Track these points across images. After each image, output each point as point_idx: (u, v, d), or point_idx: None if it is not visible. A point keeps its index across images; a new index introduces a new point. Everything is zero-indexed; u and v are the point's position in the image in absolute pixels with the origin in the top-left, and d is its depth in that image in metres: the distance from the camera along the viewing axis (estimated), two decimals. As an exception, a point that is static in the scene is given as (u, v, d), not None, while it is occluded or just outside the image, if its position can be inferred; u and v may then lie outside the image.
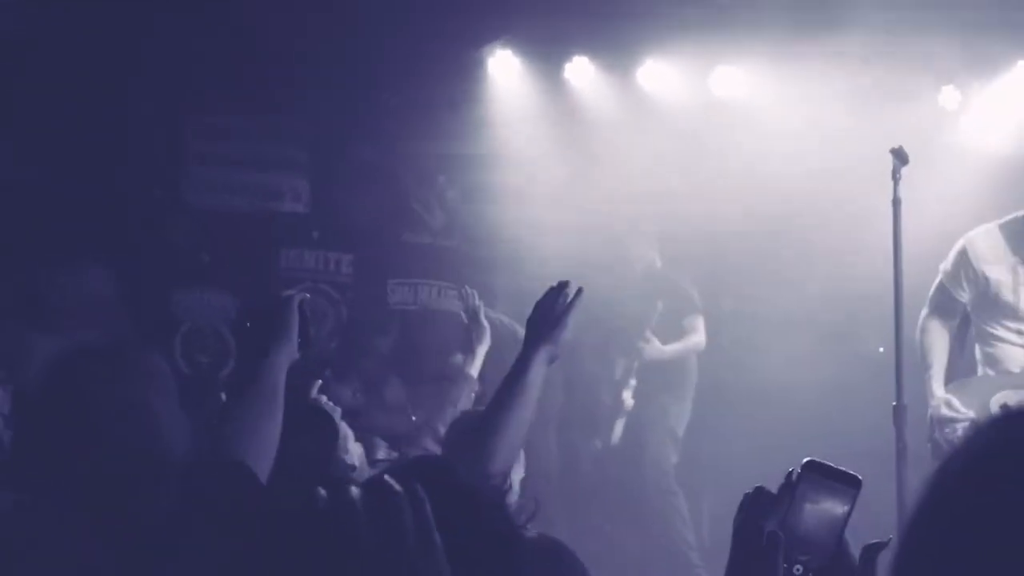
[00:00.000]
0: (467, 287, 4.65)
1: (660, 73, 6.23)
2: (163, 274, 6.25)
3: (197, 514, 1.77)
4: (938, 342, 4.37)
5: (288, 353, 2.12)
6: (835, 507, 1.50)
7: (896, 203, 3.92)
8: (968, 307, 4.38)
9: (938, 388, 4.27)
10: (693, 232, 5.80)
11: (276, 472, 2.20)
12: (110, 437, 2.03)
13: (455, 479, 1.53)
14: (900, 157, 3.97)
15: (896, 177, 3.95)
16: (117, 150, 6.20)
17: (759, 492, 1.54)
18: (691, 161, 5.90)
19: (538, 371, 2.36)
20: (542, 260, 5.70)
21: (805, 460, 1.53)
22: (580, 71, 6.31)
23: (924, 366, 4.35)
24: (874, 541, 1.54)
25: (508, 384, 2.36)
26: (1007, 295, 4.24)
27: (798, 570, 1.49)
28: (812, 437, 4.72)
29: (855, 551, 1.60)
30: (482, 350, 4.16)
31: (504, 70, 6.34)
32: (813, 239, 5.37)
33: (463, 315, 4.39)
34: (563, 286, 2.47)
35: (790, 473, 1.51)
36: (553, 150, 6.14)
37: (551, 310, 2.43)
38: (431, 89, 6.24)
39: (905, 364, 3.90)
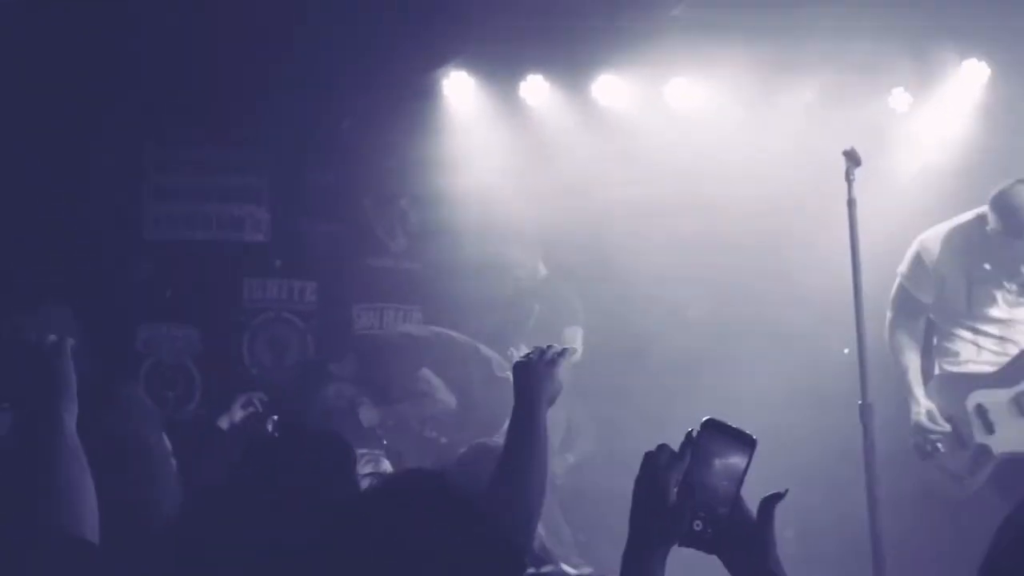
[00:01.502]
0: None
1: (615, 87, 6.28)
2: (126, 310, 6.20)
3: None
4: (908, 343, 4.53)
5: (72, 407, 1.99)
6: (733, 463, 1.55)
7: (851, 204, 3.97)
8: (924, 305, 4.56)
9: (918, 391, 4.42)
10: (653, 242, 5.84)
11: (283, 500, 2.17)
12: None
13: (451, 492, 1.54)
14: (853, 159, 4.02)
15: (850, 179, 4.00)
16: (74, 188, 6.16)
17: (661, 449, 1.57)
18: (649, 173, 5.94)
19: (545, 420, 2.51)
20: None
21: (704, 419, 1.57)
22: (535, 89, 6.34)
23: (899, 369, 4.49)
24: (771, 493, 1.58)
25: (525, 442, 2.46)
26: (960, 296, 4.44)
27: (697, 525, 1.53)
28: (782, 441, 4.73)
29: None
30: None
31: (459, 91, 6.37)
32: (771, 244, 5.41)
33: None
34: (546, 350, 2.61)
35: (690, 432, 1.55)
36: (511, 168, 6.16)
37: (537, 364, 2.56)
38: (388, 113, 6.25)
39: (869, 363, 3.94)
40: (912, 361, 4.48)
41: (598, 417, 5.81)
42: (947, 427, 4.33)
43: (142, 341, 6.24)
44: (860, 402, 3.83)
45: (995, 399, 4.32)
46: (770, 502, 1.57)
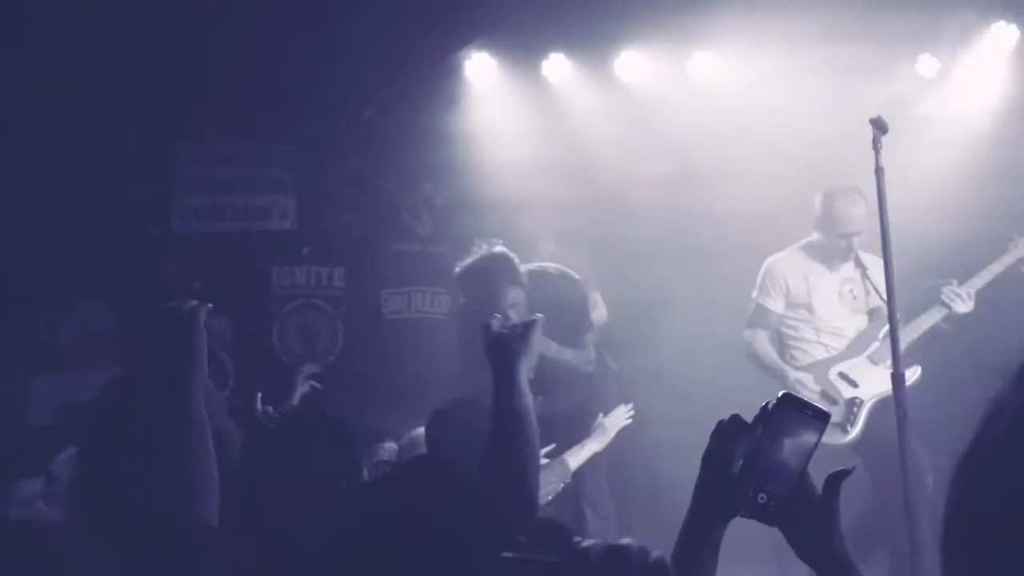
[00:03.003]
0: None
1: (637, 63, 6.23)
2: (157, 303, 6.25)
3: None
4: (766, 346, 5.17)
5: (202, 379, 1.92)
6: (804, 439, 1.53)
7: (879, 172, 3.92)
8: (777, 315, 5.17)
9: (787, 368, 5.09)
10: (680, 219, 5.80)
11: (293, 490, 2.18)
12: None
13: (456, 481, 1.55)
14: (880, 127, 3.97)
15: (877, 147, 3.95)
16: (103, 184, 6.21)
17: (733, 420, 1.55)
18: (674, 148, 5.90)
19: (526, 388, 2.47)
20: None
21: (781, 392, 1.55)
22: (557, 67, 6.31)
23: (765, 363, 5.12)
24: (838, 469, 1.55)
25: (512, 414, 2.42)
26: (802, 296, 5.12)
27: (762, 498, 1.51)
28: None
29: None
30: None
31: (482, 72, 6.35)
32: (799, 216, 5.34)
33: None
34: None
35: (765, 405, 1.53)
36: (535, 148, 6.14)
37: (510, 336, 2.52)
38: (410, 98, 6.25)
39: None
40: (777, 359, 5.13)
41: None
42: (817, 389, 4.98)
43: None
44: (891, 372, 3.80)
45: (852, 364, 5.03)
46: (836, 479, 1.55)
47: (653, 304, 5.79)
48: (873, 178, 3.91)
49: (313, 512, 1.79)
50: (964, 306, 4.91)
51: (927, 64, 6.00)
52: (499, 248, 4.77)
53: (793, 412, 1.53)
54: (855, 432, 4.88)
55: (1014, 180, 5.43)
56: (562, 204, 5.96)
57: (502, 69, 6.33)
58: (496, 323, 2.57)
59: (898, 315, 4.03)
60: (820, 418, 1.53)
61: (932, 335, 4.93)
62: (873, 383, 4.92)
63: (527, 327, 2.55)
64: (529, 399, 2.45)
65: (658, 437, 5.40)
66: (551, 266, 5.05)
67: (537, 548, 1.35)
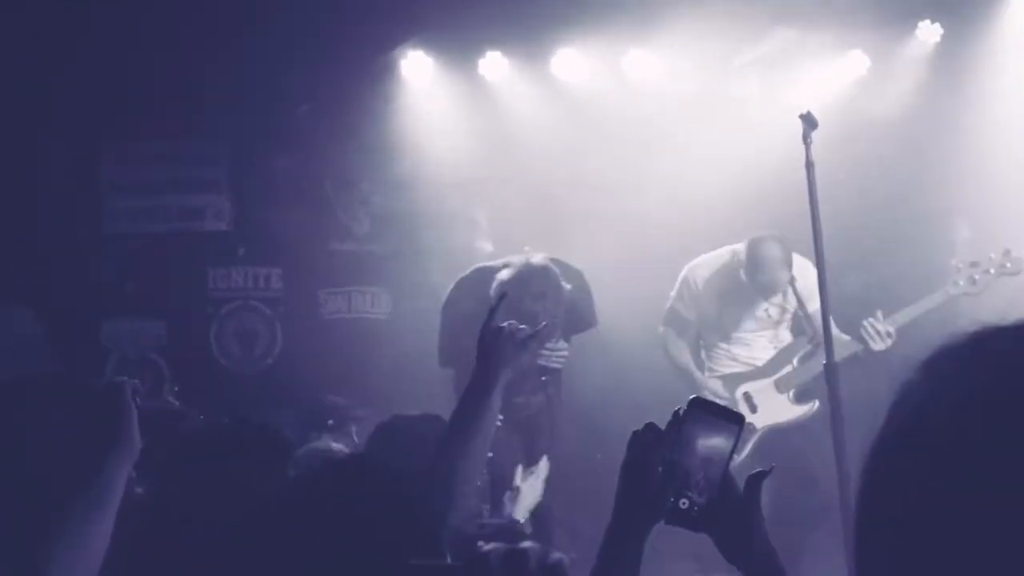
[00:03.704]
0: None
1: (573, 61, 6.25)
2: (88, 306, 6.14)
3: None
4: (682, 349, 5.28)
5: (129, 458, 1.87)
6: (720, 443, 1.52)
7: (809, 166, 3.96)
8: (691, 322, 5.27)
9: (700, 378, 5.20)
10: (618, 217, 5.83)
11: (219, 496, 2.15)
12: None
13: (381, 481, 1.54)
14: (809, 122, 4.00)
15: (807, 141, 3.98)
16: (30, 186, 6.08)
17: (648, 428, 1.55)
18: (611, 146, 5.93)
19: (499, 393, 2.40)
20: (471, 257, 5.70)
21: (691, 397, 1.55)
22: (494, 66, 6.31)
23: (680, 369, 5.23)
24: (756, 471, 1.56)
25: (472, 407, 2.36)
26: (714, 320, 5.21)
27: (684, 504, 1.51)
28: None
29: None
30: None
31: (418, 70, 6.33)
32: (731, 210, 5.40)
33: None
34: (520, 329, 2.50)
35: (677, 411, 1.53)
36: (472, 145, 6.13)
37: (507, 334, 2.45)
38: (346, 95, 6.20)
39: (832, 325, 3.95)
40: (689, 362, 5.25)
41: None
42: (726, 397, 5.04)
43: (106, 336, 6.19)
44: (824, 363, 3.85)
45: (759, 387, 5.13)
46: (756, 479, 1.55)
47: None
48: (804, 173, 3.95)
49: (233, 518, 1.76)
50: (881, 344, 4.78)
51: (858, 60, 6.10)
52: (542, 257, 4.59)
53: (705, 416, 1.53)
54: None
55: (934, 181, 5.55)
56: (499, 203, 5.96)
57: (438, 67, 6.31)
58: (508, 325, 2.49)
59: (816, 340, 4.06)
60: (733, 420, 1.53)
61: (847, 362, 4.70)
62: (771, 412, 5.04)
63: (532, 338, 2.49)
64: (497, 408, 2.39)
65: (603, 437, 5.39)
66: (554, 259, 4.79)
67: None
